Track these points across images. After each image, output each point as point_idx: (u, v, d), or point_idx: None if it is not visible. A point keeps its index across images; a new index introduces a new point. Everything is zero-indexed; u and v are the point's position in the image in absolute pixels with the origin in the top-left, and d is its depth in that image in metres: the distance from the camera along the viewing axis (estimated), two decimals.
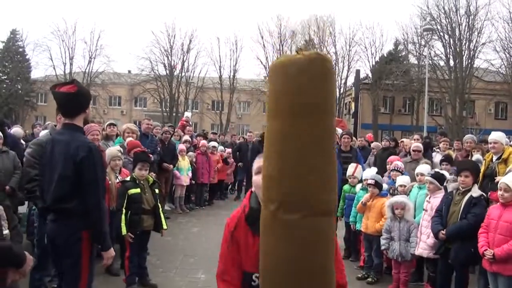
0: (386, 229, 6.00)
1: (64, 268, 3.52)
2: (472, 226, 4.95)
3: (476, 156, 7.46)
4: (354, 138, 13.38)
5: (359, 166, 7.44)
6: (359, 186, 7.10)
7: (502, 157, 6.41)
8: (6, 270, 2.35)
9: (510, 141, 7.27)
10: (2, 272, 2.34)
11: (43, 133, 4.64)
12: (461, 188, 5.23)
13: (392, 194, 6.44)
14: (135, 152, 6.35)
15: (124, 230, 5.46)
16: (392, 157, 8.29)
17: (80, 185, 3.43)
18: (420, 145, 8.84)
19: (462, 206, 5.09)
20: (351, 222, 7.12)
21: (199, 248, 7.65)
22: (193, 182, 11.30)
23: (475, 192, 5.08)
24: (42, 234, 3.84)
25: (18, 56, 49.03)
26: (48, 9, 72.45)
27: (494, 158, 6.56)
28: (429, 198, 5.72)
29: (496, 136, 6.67)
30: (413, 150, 8.50)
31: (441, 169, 6.85)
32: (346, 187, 7.40)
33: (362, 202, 6.60)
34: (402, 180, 6.51)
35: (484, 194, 5.15)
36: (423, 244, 5.64)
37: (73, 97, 3.56)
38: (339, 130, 12.28)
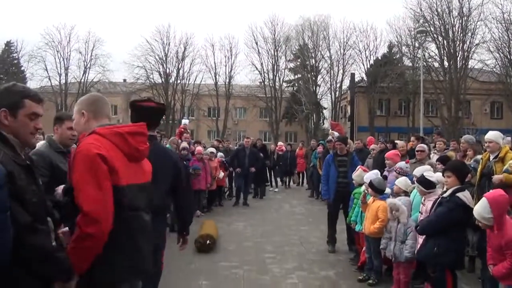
0: (388, 228, 6.01)
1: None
2: (431, 224, 4.96)
3: (476, 156, 7.48)
4: (350, 141, 13.38)
5: (360, 170, 7.43)
6: (363, 187, 7.08)
7: (499, 156, 6.40)
8: (54, 282, 2.34)
9: (505, 139, 7.25)
10: (50, 284, 2.32)
11: (40, 144, 4.62)
12: (445, 188, 5.21)
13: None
14: None
15: None
16: (390, 153, 8.24)
17: (176, 186, 4.22)
18: (424, 145, 8.83)
19: (435, 205, 5.11)
20: (352, 221, 7.15)
21: (198, 255, 7.64)
22: None
23: (448, 192, 4.99)
24: None
25: (13, 68, 49.08)
26: (42, 20, 72.60)
27: (491, 157, 6.57)
28: (424, 200, 5.70)
29: (491, 135, 6.66)
30: (417, 151, 8.49)
31: (436, 170, 6.83)
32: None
33: (361, 200, 6.67)
34: (400, 181, 6.50)
35: (461, 196, 4.88)
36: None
37: (163, 112, 4.38)
38: (336, 134, 12.36)
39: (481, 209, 4.29)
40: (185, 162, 10.02)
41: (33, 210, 2.22)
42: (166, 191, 4.21)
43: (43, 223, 2.31)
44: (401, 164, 7.30)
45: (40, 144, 4.65)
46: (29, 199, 2.22)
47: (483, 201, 4.32)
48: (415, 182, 5.88)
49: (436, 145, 9.86)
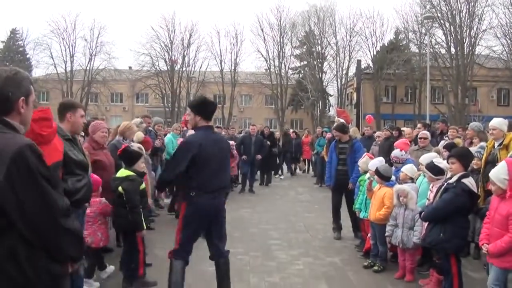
0: (393, 215, 6.04)
1: (220, 228, 4.94)
2: (437, 210, 4.96)
3: (481, 143, 7.45)
4: (356, 128, 13.36)
5: (366, 157, 7.40)
6: (368, 175, 7.08)
7: (504, 143, 6.36)
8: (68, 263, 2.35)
9: None
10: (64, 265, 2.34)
11: None
12: (449, 175, 5.21)
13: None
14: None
15: (145, 226, 5.49)
16: (399, 142, 8.20)
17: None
18: (427, 132, 8.83)
19: (440, 191, 5.10)
20: (357, 209, 7.19)
21: (203, 242, 7.67)
22: None
23: (454, 178, 4.98)
24: None
25: (19, 56, 49.15)
26: (47, 8, 72.45)
27: (496, 144, 6.52)
28: (432, 187, 5.69)
29: (495, 122, 6.61)
30: (420, 138, 8.49)
31: (443, 157, 6.83)
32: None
33: (367, 187, 6.70)
34: (406, 168, 6.51)
35: (466, 182, 4.90)
36: None
37: (215, 107, 5.06)
38: (341, 121, 12.32)
39: (499, 170, 4.29)
40: None
41: None
42: (229, 171, 5.30)
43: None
44: (396, 152, 7.26)
45: None
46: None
47: (502, 163, 4.34)
48: (424, 168, 5.86)
49: (449, 133, 9.84)
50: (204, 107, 4.86)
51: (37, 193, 2.05)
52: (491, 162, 6.31)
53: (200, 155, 4.58)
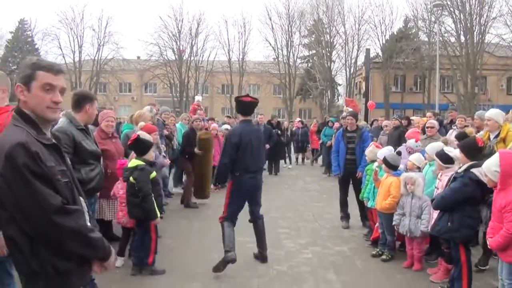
0: (400, 204, 6.06)
1: (258, 199, 6.19)
2: (445, 199, 4.95)
3: (480, 133, 7.42)
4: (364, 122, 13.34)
5: (372, 146, 7.42)
6: (376, 164, 7.09)
7: (500, 135, 6.25)
8: (91, 263, 2.37)
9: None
10: (87, 264, 2.36)
11: (62, 121, 4.68)
12: (460, 165, 5.21)
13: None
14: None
15: (158, 214, 5.54)
16: (410, 132, 8.22)
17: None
18: (435, 122, 8.82)
19: (450, 181, 5.10)
20: (365, 198, 7.21)
21: (214, 230, 7.73)
22: None
23: (462, 168, 4.97)
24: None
25: (27, 46, 49.26)
26: None
27: (491, 136, 6.41)
28: (440, 175, 5.69)
29: (491, 113, 6.49)
30: (427, 127, 8.49)
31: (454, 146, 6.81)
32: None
33: (373, 177, 6.71)
34: (413, 157, 6.51)
35: (475, 172, 4.82)
36: None
37: (255, 104, 6.06)
38: (350, 110, 12.31)
39: (491, 162, 4.26)
40: None
41: (64, 191, 2.25)
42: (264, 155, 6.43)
43: (75, 203, 2.33)
44: (411, 143, 7.29)
45: (60, 120, 4.70)
46: (58, 180, 2.23)
47: (495, 155, 4.30)
48: (434, 156, 5.85)
49: (457, 122, 9.79)
50: (236, 106, 6.15)
51: (26, 190, 2.10)
52: (488, 155, 6.21)
53: (241, 143, 5.74)
